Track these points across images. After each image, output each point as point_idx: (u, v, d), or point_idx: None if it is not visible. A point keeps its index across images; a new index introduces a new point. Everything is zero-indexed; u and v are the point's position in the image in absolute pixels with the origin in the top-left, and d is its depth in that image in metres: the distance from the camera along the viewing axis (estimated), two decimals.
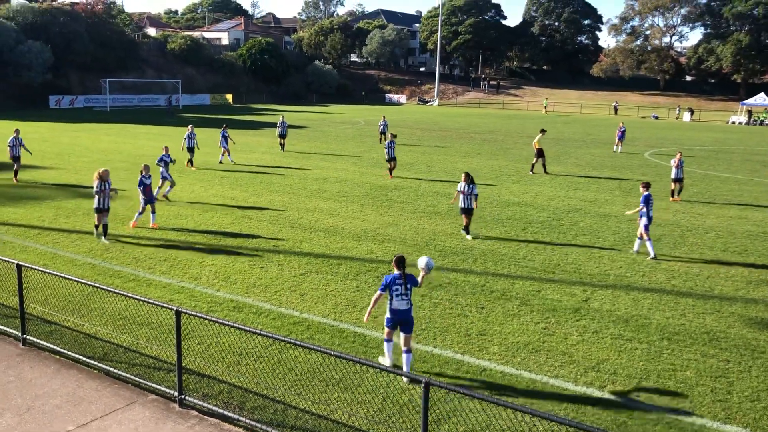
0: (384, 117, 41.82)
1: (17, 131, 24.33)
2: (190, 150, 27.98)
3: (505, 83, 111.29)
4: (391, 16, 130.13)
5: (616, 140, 39.28)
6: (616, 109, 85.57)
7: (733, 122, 74.84)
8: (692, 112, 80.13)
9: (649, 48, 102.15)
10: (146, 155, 31.52)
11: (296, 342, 7.47)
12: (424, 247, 16.07)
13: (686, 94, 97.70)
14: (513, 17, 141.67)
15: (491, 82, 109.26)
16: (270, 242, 16.28)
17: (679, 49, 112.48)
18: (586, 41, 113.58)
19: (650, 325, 11.43)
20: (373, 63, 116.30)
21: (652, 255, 15.56)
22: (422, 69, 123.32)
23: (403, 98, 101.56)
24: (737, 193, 25.48)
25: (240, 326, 7.89)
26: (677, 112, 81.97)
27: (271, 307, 11.78)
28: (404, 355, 9.16)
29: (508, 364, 9.72)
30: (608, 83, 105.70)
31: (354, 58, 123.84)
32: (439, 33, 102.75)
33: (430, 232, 17.76)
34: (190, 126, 28.86)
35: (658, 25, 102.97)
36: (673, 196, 23.53)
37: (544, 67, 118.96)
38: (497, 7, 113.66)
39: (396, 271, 9.18)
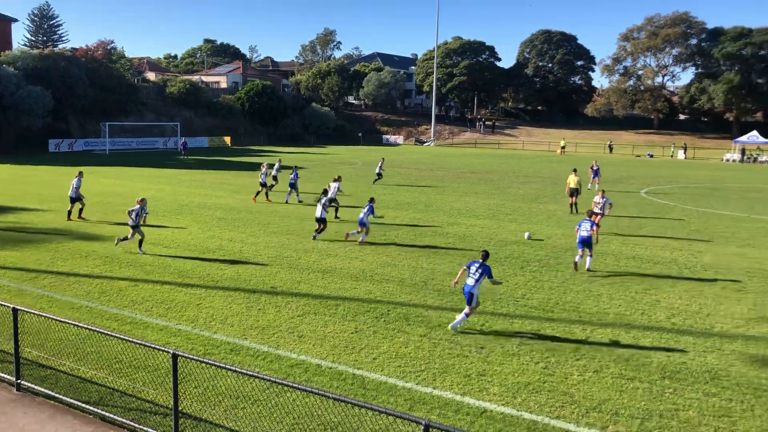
0: (383, 159, 43.12)
1: (143, 200, 20.32)
2: (263, 185, 31.43)
3: (501, 123, 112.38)
4: (387, 59, 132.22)
5: (591, 178, 39.46)
6: (611, 147, 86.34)
7: (728, 160, 75.51)
8: (685, 148, 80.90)
9: (642, 88, 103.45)
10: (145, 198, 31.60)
11: (294, 385, 7.39)
12: (422, 287, 16.02)
13: (680, 133, 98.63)
14: (507, 59, 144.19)
15: (487, 123, 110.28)
16: (267, 283, 16.22)
17: (671, 89, 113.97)
18: (580, 81, 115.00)
19: (651, 364, 11.35)
20: (370, 105, 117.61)
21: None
22: (418, 110, 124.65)
23: (400, 139, 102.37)
24: (734, 230, 25.52)
25: (237, 369, 7.82)
26: (672, 150, 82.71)
27: (268, 350, 11.68)
28: (461, 314, 12.79)
29: (509, 405, 9.62)
30: (603, 122, 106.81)
31: (351, 99, 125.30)
32: (434, 75, 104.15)
33: (428, 271, 17.72)
34: (264, 164, 32.65)
35: (650, 65, 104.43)
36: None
37: (539, 108, 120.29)
38: (491, 49, 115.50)
39: (480, 259, 12.95)
